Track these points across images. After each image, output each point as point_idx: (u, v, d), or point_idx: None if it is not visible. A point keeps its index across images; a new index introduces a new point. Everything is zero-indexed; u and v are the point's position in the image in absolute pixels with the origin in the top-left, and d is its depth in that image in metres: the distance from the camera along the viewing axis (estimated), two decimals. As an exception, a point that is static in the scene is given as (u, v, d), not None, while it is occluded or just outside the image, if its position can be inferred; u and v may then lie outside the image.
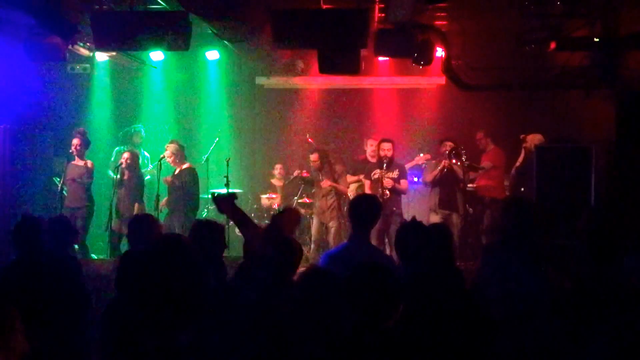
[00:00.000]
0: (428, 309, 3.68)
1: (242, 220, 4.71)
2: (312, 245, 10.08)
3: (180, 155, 9.74)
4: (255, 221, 10.31)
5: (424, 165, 10.52)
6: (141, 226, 5.26)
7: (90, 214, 9.73)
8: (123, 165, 9.69)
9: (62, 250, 5.58)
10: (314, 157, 10.16)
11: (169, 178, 9.70)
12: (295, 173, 11.24)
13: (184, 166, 9.74)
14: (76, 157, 9.65)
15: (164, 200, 9.73)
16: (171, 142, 9.86)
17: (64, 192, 9.62)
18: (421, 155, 10.68)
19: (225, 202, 4.75)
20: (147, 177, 10.48)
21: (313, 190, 10.53)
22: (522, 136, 9.61)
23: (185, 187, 9.63)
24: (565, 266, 5.13)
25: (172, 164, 9.74)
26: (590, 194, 8.11)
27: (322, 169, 10.07)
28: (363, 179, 9.87)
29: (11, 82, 9.98)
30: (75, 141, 9.64)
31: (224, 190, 10.08)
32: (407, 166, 10.20)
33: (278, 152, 12.44)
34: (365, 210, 4.90)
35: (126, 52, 10.32)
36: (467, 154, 9.63)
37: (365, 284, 3.06)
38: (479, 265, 5.07)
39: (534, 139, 9.33)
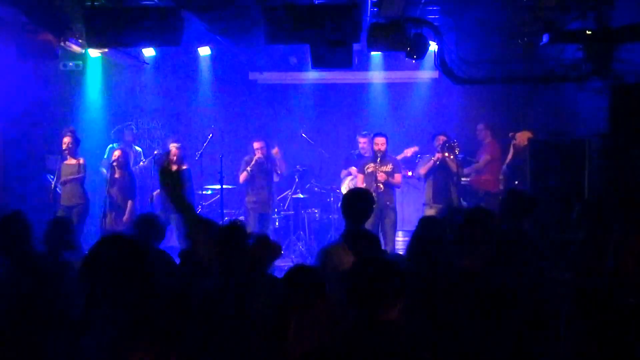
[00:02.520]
0: (430, 300, 3.72)
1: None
2: None
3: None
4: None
5: (418, 159, 10.52)
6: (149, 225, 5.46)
7: (86, 212, 9.74)
8: (115, 163, 9.70)
9: (55, 255, 5.51)
10: (261, 144, 10.28)
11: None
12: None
13: (184, 167, 9.76)
14: (68, 156, 9.64)
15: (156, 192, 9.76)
16: (177, 142, 10.03)
17: (57, 190, 9.61)
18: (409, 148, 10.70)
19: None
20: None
21: (307, 186, 10.51)
22: (511, 134, 9.73)
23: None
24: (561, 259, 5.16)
25: (172, 164, 9.64)
26: (584, 187, 8.14)
27: (268, 159, 10.20)
28: (357, 173, 9.88)
29: (3, 79, 9.93)
30: (67, 139, 9.64)
31: (217, 187, 10.09)
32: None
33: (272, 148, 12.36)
34: (358, 205, 4.92)
35: (118, 49, 10.23)
36: (460, 147, 9.66)
37: (366, 276, 3.05)
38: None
39: (523, 136, 9.43)
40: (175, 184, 3.68)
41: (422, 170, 9.80)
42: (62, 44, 9.12)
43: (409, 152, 10.56)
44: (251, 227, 9.91)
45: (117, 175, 9.72)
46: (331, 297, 3.57)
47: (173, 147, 9.79)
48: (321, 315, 3.19)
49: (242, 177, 10.29)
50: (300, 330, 3.08)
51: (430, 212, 9.45)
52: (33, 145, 10.46)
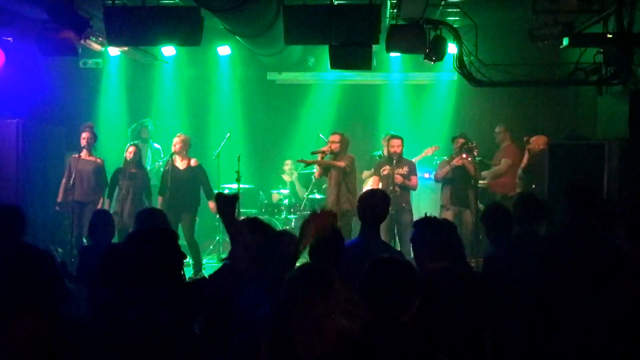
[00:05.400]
0: (444, 302, 3.70)
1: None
2: None
3: (188, 148, 9.80)
4: (266, 217, 10.45)
5: (435, 161, 10.53)
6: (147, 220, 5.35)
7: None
8: (128, 159, 9.71)
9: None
10: (335, 137, 9.22)
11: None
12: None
13: (194, 161, 9.78)
14: (86, 151, 9.67)
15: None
16: (182, 134, 9.91)
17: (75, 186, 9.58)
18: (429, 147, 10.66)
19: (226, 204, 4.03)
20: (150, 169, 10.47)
21: (324, 186, 10.22)
22: (526, 138, 9.64)
23: (199, 183, 9.75)
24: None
25: (179, 156, 9.69)
26: (603, 191, 7.96)
27: (338, 156, 9.16)
28: (372, 175, 9.81)
29: (24, 77, 10.00)
30: (85, 135, 9.67)
31: (234, 186, 10.16)
32: (416, 159, 10.15)
33: (289, 148, 12.45)
34: (374, 206, 4.90)
35: (138, 47, 10.33)
36: (478, 150, 9.62)
37: (381, 277, 3.04)
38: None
39: (538, 141, 9.33)
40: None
41: (440, 175, 9.77)
42: (82, 42, 9.16)
43: (430, 150, 10.52)
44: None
45: (133, 170, 9.68)
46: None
47: (181, 137, 9.81)
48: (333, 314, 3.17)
49: (316, 173, 9.60)
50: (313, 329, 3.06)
51: (447, 214, 9.42)
52: (52, 142, 10.44)
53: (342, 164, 8.98)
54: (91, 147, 9.73)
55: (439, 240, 3.99)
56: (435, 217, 4.30)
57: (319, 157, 9.19)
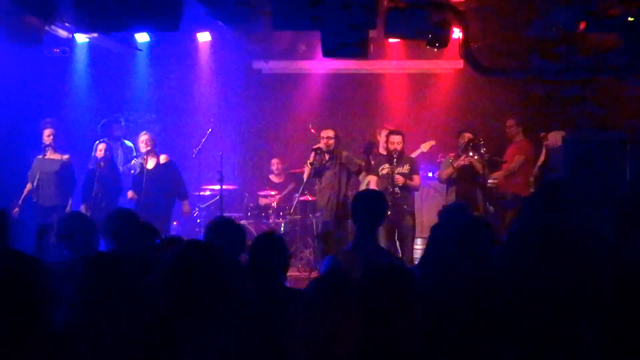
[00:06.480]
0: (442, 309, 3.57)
1: None
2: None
3: (154, 145, 9.63)
4: (251, 221, 10.32)
5: (440, 158, 10.21)
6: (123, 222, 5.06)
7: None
8: (99, 158, 9.40)
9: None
10: (329, 133, 9.07)
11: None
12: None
13: (163, 158, 9.60)
14: (50, 150, 9.30)
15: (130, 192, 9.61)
16: (146, 133, 9.73)
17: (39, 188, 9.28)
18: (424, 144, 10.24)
19: None
20: (132, 171, 10.16)
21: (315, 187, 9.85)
22: (542, 134, 9.51)
23: (174, 180, 9.59)
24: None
25: (147, 154, 9.49)
26: (625, 187, 7.60)
27: (334, 152, 9.03)
28: (370, 175, 9.30)
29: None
30: (49, 132, 9.31)
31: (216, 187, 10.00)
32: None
33: (277, 145, 12.31)
34: (370, 208, 4.73)
35: (109, 34, 9.93)
36: (486, 146, 9.21)
37: (378, 285, 2.97)
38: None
39: (555, 136, 9.13)
40: None
41: (444, 175, 9.36)
42: (47, 28, 8.66)
43: (425, 146, 10.11)
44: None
45: (105, 171, 9.41)
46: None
47: (148, 135, 9.64)
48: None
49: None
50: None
51: (452, 217, 8.86)
52: (15, 138, 10.02)
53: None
54: (55, 145, 9.36)
55: (469, 240, 3.92)
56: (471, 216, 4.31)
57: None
